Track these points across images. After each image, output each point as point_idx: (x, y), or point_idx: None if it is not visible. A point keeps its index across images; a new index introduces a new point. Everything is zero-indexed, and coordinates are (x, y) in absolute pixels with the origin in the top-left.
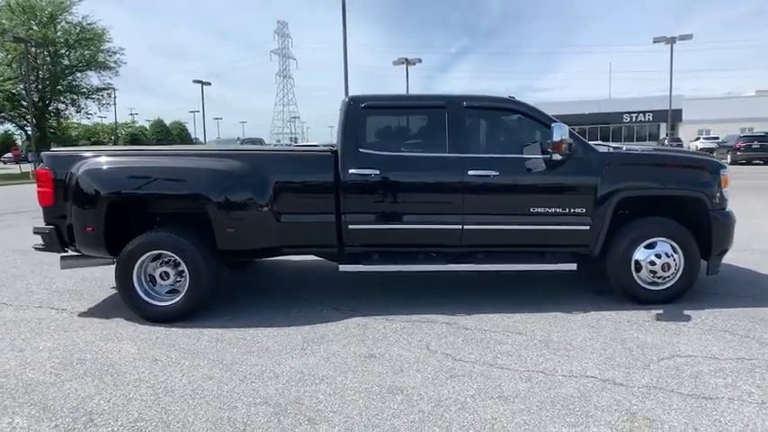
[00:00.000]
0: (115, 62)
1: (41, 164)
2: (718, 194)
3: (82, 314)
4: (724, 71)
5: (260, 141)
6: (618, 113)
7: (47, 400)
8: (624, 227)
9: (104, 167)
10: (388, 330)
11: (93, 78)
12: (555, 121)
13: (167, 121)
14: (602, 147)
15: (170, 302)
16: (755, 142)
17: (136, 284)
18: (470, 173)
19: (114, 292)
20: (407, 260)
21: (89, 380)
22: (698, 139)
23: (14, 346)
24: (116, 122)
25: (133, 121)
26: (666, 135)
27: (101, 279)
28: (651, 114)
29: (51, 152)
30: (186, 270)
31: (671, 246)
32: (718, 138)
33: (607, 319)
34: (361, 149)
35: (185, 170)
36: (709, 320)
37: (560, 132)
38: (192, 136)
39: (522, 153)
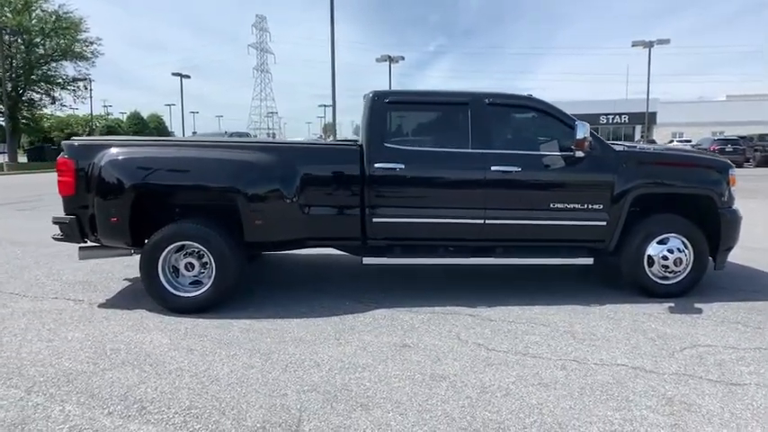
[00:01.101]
0: (92, 53)
1: (63, 153)
2: (727, 193)
3: (102, 305)
4: (694, 75)
5: (247, 136)
6: (595, 115)
7: (92, 388)
8: (637, 223)
9: (131, 158)
10: (416, 322)
11: (68, 69)
12: (574, 120)
13: (144, 114)
14: (617, 145)
15: (195, 293)
16: (729, 146)
17: (161, 275)
18: (493, 168)
19: (128, 283)
20: (428, 254)
21: (129, 369)
22: (671, 141)
23: (42, 337)
24: (91, 114)
25: (108, 114)
26: (642, 137)
27: (109, 271)
28: (627, 116)
29: (73, 141)
30: (212, 261)
31: (682, 242)
32: (690, 141)
33: (623, 311)
34: (386, 144)
35: (216, 161)
36: (720, 313)
37: (583, 130)
38: (169, 129)
39: (541, 150)
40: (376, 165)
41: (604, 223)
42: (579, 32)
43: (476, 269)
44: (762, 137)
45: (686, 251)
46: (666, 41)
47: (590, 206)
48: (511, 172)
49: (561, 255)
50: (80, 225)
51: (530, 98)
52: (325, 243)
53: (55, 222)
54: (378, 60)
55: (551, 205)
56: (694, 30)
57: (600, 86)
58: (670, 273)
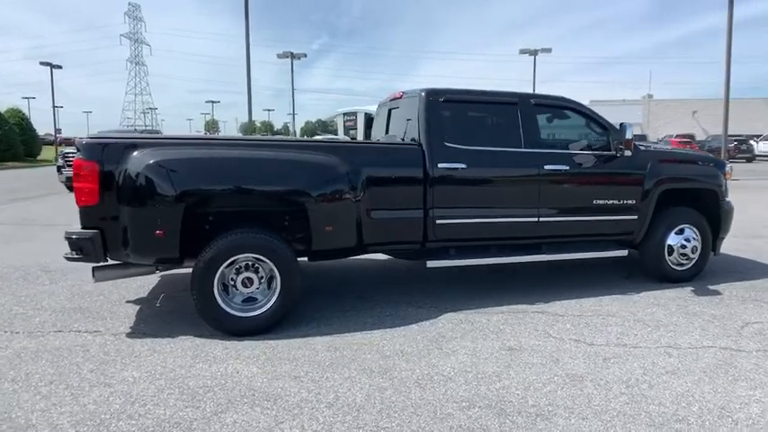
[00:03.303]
0: None
1: (79, 154)
2: (724, 187)
3: (130, 335)
4: (565, 81)
5: (158, 133)
6: None
7: None
8: (659, 216)
9: (181, 159)
10: (492, 323)
11: None
12: (606, 120)
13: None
14: (641, 145)
15: (257, 312)
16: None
17: (217, 294)
18: (546, 167)
19: (136, 306)
20: (481, 253)
21: (246, 408)
22: None
23: (91, 380)
24: None
25: None
26: None
27: (96, 293)
28: None
29: (95, 139)
30: (277, 274)
31: (694, 231)
32: None
33: (660, 297)
34: (446, 143)
35: (286, 163)
36: (735, 293)
37: (630, 131)
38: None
39: (580, 149)
40: (439, 165)
41: (636, 217)
42: (456, 37)
43: (493, 267)
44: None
45: (698, 240)
46: (549, 50)
47: (625, 201)
48: (561, 171)
49: (598, 248)
50: (104, 241)
51: (568, 99)
52: (385, 248)
53: (69, 238)
54: (279, 57)
55: (594, 202)
56: (561, 38)
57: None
58: (685, 260)
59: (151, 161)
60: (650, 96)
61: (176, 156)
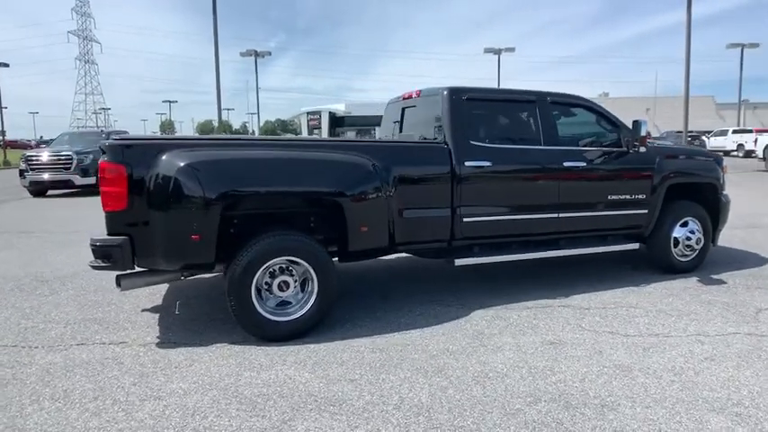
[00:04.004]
0: None
1: (104, 156)
2: (722, 180)
3: (161, 345)
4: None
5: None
6: None
7: None
8: (665, 210)
9: (217, 160)
10: (524, 319)
11: None
12: (616, 118)
13: None
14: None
15: (295, 316)
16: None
17: (254, 300)
18: (566, 164)
19: (154, 314)
20: (503, 250)
21: (315, 415)
22: None
23: (136, 394)
24: None
25: None
26: None
27: (102, 302)
28: None
29: (122, 140)
30: (314, 277)
31: (696, 224)
32: None
33: (670, 287)
34: (471, 141)
35: (322, 163)
36: (738, 281)
37: (645, 128)
38: None
39: (592, 145)
40: (466, 163)
41: (646, 211)
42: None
43: (503, 263)
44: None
45: (701, 232)
46: (512, 49)
47: (636, 196)
48: (579, 167)
49: (611, 242)
50: (133, 247)
51: (580, 97)
52: (414, 247)
53: (94, 246)
54: (242, 55)
55: (609, 197)
56: (524, 36)
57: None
58: (689, 251)
59: (186, 162)
60: (606, 95)
61: (212, 157)
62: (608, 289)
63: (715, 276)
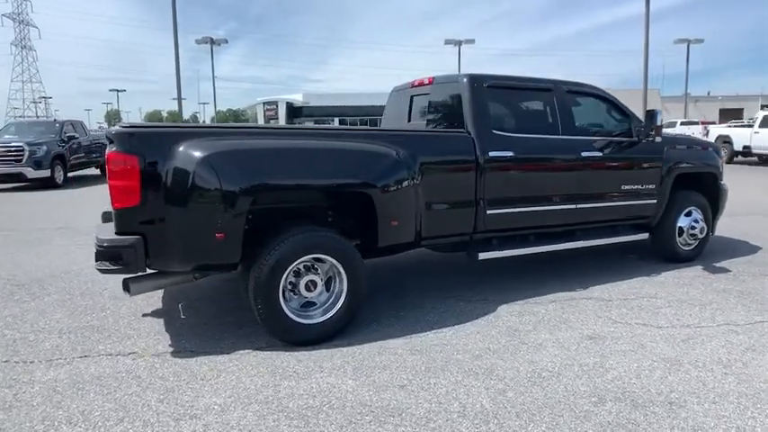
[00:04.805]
0: None
1: (113, 146)
2: (721, 169)
3: (176, 354)
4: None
5: (81, 125)
6: None
7: None
8: (671, 199)
9: (245, 150)
10: (551, 313)
11: None
12: (627, 108)
13: None
14: None
15: (323, 318)
16: None
17: (282, 302)
18: (583, 154)
19: (158, 319)
20: (521, 243)
21: (375, 427)
22: None
23: (167, 413)
24: None
25: None
26: None
27: (94, 308)
28: None
29: (133, 128)
30: (344, 276)
31: (699, 213)
32: None
33: (680, 276)
34: (494, 131)
35: (354, 153)
36: (741, 269)
37: (660, 117)
38: None
39: (607, 135)
40: (490, 153)
41: (655, 201)
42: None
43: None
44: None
45: (703, 221)
46: (472, 41)
47: (647, 186)
48: (595, 157)
49: (623, 233)
50: (146, 248)
51: (593, 86)
52: (438, 241)
53: (102, 247)
54: (198, 42)
55: (622, 187)
56: (482, 26)
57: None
58: (692, 240)
59: (210, 152)
60: None
61: (239, 146)
62: (622, 280)
63: (717, 265)
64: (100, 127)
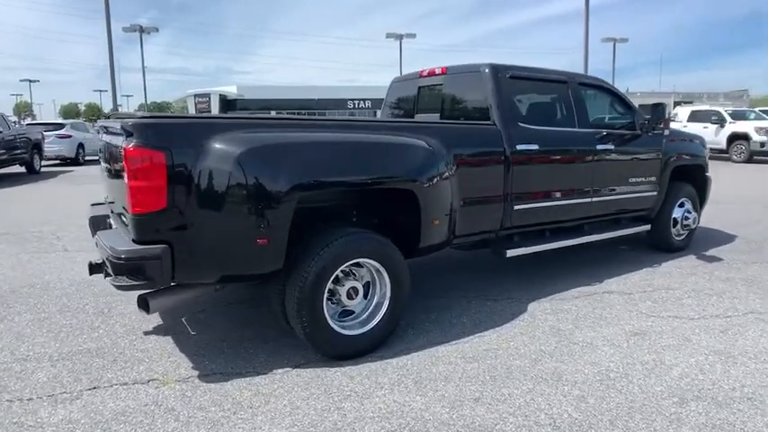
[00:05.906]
0: None
1: (132, 140)
2: (707, 161)
3: (206, 378)
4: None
5: (2, 117)
6: (342, 100)
7: None
8: (667, 191)
9: (290, 144)
10: (582, 309)
11: None
12: (630, 101)
13: None
14: None
15: (366, 329)
16: None
17: (327, 313)
18: (599, 147)
19: (165, 338)
20: (540, 239)
21: None
22: None
23: None
24: None
25: None
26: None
27: (82, 327)
28: (370, 102)
29: (157, 119)
30: (387, 282)
31: (690, 204)
32: None
33: (681, 267)
34: (519, 123)
35: (399, 147)
36: (731, 257)
37: (667, 111)
38: None
39: (616, 128)
40: (518, 146)
41: (656, 193)
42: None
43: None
44: None
45: (693, 211)
46: (413, 35)
47: (650, 178)
48: (609, 149)
49: (628, 225)
50: (173, 258)
51: (601, 79)
52: (467, 239)
53: (119, 259)
54: (125, 30)
55: (630, 179)
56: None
57: (318, 72)
58: (684, 230)
59: (250, 147)
60: None
61: (281, 140)
62: (629, 272)
63: (707, 254)
64: (15, 122)
